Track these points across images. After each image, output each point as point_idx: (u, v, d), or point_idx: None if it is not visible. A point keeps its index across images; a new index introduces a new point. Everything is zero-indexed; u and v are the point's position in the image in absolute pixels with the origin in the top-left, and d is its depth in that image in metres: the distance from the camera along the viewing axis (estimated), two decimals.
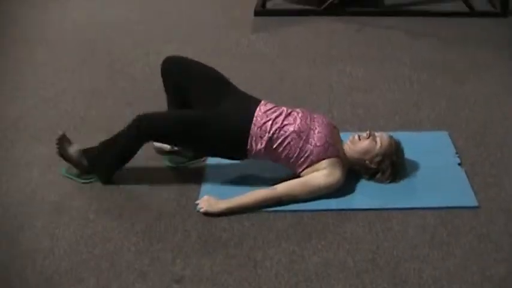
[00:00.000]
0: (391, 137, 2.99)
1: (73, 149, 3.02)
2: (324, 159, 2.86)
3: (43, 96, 3.86)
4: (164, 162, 3.20)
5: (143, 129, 2.91)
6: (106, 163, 3.00)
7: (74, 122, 3.56)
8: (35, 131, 3.49)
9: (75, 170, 3.08)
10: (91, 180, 3.04)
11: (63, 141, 3.03)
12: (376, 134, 2.98)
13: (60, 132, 3.07)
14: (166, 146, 3.19)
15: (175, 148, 3.17)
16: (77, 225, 2.79)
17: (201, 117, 2.92)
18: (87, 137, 3.21)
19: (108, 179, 3.03)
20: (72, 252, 2.64)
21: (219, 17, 4.99)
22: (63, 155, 3.03)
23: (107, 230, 2.76)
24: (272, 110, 2.94)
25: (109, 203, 2.93)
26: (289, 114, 2.93)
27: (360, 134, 2.99)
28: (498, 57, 4.27)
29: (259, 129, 2.87)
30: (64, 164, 3.09)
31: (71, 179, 3.07)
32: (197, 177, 3.08)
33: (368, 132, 2.97)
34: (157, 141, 3.10)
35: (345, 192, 2.92)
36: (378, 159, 2.94)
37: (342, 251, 2.62)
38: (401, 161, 3.02)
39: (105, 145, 2.99)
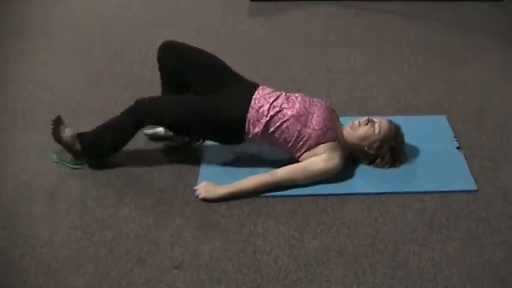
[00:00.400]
0: (390, 122, 2.98)
1: (67, 132, 3.01)
2: (322, 143, 2.85)
3: (39, 82, 3.84)
4: (158, 145, 3.20)
5: (142, 114, 2.91)
6: (100, 148, 3.00)
7: (71, 107, 3.55)
8: (32, 117, 3.48)
9: (67, 156, 3.06)
10: (81, 166, 3.04)
11: (58, 124, 3.02)
12: (375, 119, 2.96)
13: (56, 117, 3.06)
14: (160, 132, 3.19)
15: (169, 134, 3.16)
16: (75, 212, 2.79)
17: (200, 103, 2.92)
18: (84, 122, 3.19)
19: (99, 164, 3.02)
20: (71, 239, 2.64)
21: (216, 2, 4.96)
22: (57, 137, 3.01)
23: (105, 217, 2.76)
24: (270, 94, 2.93)
25: (107, 189, 2.92)
26: (287, 98, 2.92)
27: (359, 119, 2.97)
28: (497, 42, 4.26)
29: (256, 112, 2.86)
30: (55, 151, 3.08)
31: (62, 164, 3.06)
32: (194, 161, 3.08)
33: (367, 118, 2.96)
34: (156, 125, 3.09)
35: (344, 177, 2.92)
36: (376, 145, 2.93)
37: (341, 236, 2.62)
38: (401, 145, 3.01)
39: (102, 130, 2.98)
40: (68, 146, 3.01)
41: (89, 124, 3.07)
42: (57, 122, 3.02)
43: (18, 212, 2.80)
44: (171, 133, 3.15)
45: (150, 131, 3.18)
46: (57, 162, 3.07)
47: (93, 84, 3.81)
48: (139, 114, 2.91)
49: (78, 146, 3.00)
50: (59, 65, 4.07)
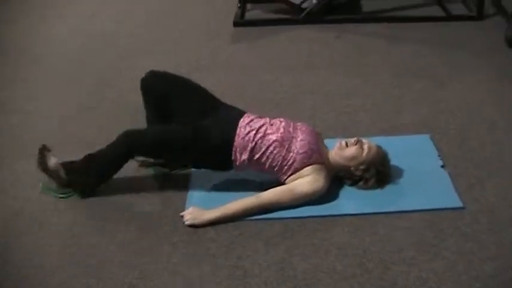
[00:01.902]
0: (379, 147, 3.00)
1: (52, 162, 3.00)
2: (308, 165, 2.87)
3: (28, 111, 3.85)
4: (148, 172, 3.20)
5: (131, 146, 2.93)
6: (88, 179, 2.99)
7: (60, 136, 3.55)
8: (21, 146, 3.48)
9: (53, 185, 3.06)
10: (69, 195, 3.03)
11: (44, 153, 3.02)
12: (364, 141, 2.99)
13: (42, 145, 3.06)
14: (150, 159, 3.19)
15: (159, 160, 3.17)
16: (64, 240, 2.78)
17: (188, 133, 2.92)
18: (73, 151, 3.19)
19: (86, 194, 3.02)
20: (60, 268, 2.62)
21: (200, 29, 5.00)
22: (43, 167, 3.01)
23: (93, 245, 2.75)
24: (255, 121, 2.96)
25: (96, 216, 2.92)
26: (271, 124, 2.95)
27: (347, 140, 3.00)
28: (476, 60, 4.32)
29: (242, 140, 2.89)
30: (41, 180, 3.08)
31: (49, 194, 3.06)
32: (182, 186, 3.08)
33: (356, 139, 2.98)
34: (143, 156, 3.10)
35: (330, 198, 2.94)
36: (363, 167, 2.95)
37: (330, 257, 2.63)
38: (387, 171, 3.03)
39: (89, 160, 2.98)
40: (53, 176, 3.01)
41: (77, 152, 3.07)
42: (43, 151, 3.02)
43: (7, 242, 2.79)
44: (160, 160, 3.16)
45: (140, 157, 3.18)
46: (44, 192, 3.07)
47: (82, 113, 3.82)
48: (130, 147, 2.93)
49: (63, 176, 3.00)
50: (48, 94, 4.08)
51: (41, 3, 5.71)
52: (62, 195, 3.04)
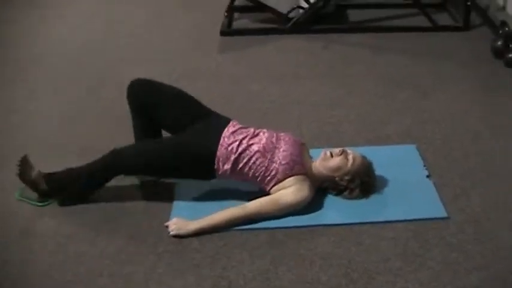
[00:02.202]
0: (364, 157, 3.00)
1: (34, 172, 2.99)
2: (290, 176, 2.87)
3: (10, 120, 3.82)
4: (134, 181, 3.19)
5: (117, 166, 2.94)
6: (70, 192, 2.99)
7: (44, 146, 3.53)
8: (5, 157, 3.45)
9: (31, 193, 3.04)
10: (49, 203, 3.02)
11: (25, 164, 3.00)
12: (349, 151, 2.99)
13: (22, 155, 3.05)
14: None
15: None
16: (48, 250, 2.76)
17: (172, 149, 2.94)
18: (57, 160, 3.18)
19: (64, 203, 3.02)
20: (44, 277, 2.61)
21: (186, 38, 5.00)
22: (23, 177, 2.99)
23: (78, 255, 2.73)
24: (239, 131, 2.96)
25: (80, 226, 2.90)
26: (255, 135, 2.95)
27: (332, 150, 2.99)
28: (461, 70, 4.34)
29: (225, 150, 2.89)
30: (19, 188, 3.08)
31: (26, 202, 3.04)
32: (167, 196, 3.07)
33: (341, 149, 2.98)
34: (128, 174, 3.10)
35: (316, 208, 2.93)
36: (348, 177, 2.95)
37: (314, 267, 2.63)
38: (372, 181, 3.03)
39: (74, 175, 2.97)
40: (36, 186, 2.99)
41: (61, 162, 3.05)
42: (24, 162, 3.01)
43: None
44: None
45: None
46: (20, 200, 3.05)
47: (67, 122, 3.80)
48: (115, 166, 2.94)
49: (44, 186, 2.98)
50: (31, 103, 4.06)
51: (33, 5, 5.69)
52: (41, 204, 3.02)
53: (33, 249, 2.77)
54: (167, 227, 2.84)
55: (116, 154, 2.94)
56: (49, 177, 2.98)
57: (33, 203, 3.03)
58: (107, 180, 2.99)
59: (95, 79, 4.32)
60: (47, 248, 2.78)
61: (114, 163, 2.94)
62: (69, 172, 2.98)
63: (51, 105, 4.01)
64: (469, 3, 4.93)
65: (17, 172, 3.00)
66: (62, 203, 3.01)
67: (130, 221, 2.93)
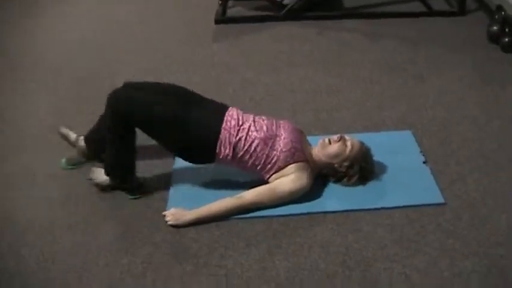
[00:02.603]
0: (362, 143, 3.00)
1: (101, 176, 3.05)
2: (291, 163, 2.86)
3: (6, 118, 3.81)
4: (60, 164, 3.23)
5: (115, 107, 2.85)
6: (114, 167, 3.01)
7: (41, 139, 3.52)
8: (1, 150, 3.45)
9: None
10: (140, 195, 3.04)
11: (90, 176, 3.07)
12: (347, 137, 2.98)
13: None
14: (72, 137, 3.30)
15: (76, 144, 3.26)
16: (43, 242, 2.76)
17: (175, 111, 2.85)
18: (55, 152, 3.17)
19: (131, 183, 3.03)
20: (40, 269, 2.61)
21: (181, 27, 4.98)
22: (97, 185, 3.05)
23: (74, 245, 2.73)
24: (240, 116, 2.93)
25: (75, 217, 2.90)
26: (254, 122, 2.93)
27: (330, 137, 2.99)
28: (457, 56, 4.33)
29: (228, 133, 2.86)
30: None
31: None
32: (163, 185, 3.07)
33: (339, 135, 2.98)
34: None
35: (313, 196, 2.93)
36: (346, 163, 2.95)
37: (312, 255, 2.63)
38: (370, 167, 3.04)
39: (105, 150, 2.99)
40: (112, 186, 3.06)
41: (60, 155, 3.05)
42: (89, 176, 3.07)
43: None
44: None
45: (64, 130, 3.37)
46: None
47: (62, 114, 3.78)
48: (113, 105, 2.86)
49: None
50: (25, 97, 4.04)
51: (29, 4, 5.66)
52: (131, 196, 3.02)
53: (29, 241, 2.77)
54: (164, 216, 2.83)
55: (114, 91, 2.92)
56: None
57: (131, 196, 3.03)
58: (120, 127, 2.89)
59: (93, 74, 4.29)
60: (43, 239, 2.77)
61: (117, 99, 2.87)
62: (107, 152, 2.99)
63: (49, 101, 3.99)
64: None
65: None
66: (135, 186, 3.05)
67: (127, 211, 2.92)
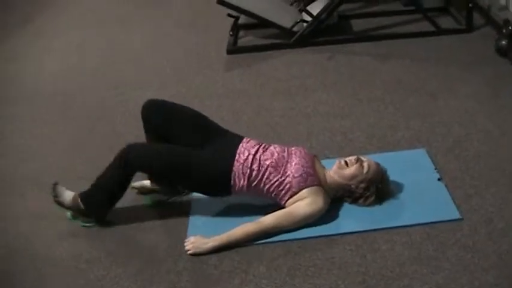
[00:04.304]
0: (378, 164, 3.03)
1: (68, 196, 3.06)
2: (304, 188, 2.90)
3: (21, 152, 3.89)
4: (144, 201, 3.24)
5: (131, 159, 2.95)
6: (97, 200, 3.03)
7: (56, 173, 3.57)
8: (19, 184, 3.52)
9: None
10: (92, 223, 3.08)
11: (56, 191, 3.06)
12: (364, 159, 3.01)
13: (53, 182, 3.11)
14: (147, 185, 3.24)
15: (156, 187, 3.22)
16: (68, 275, 2.81)
17: (188, 154, 2.97)
18: (70, 187, 3.22)
19: (102, 218, 3.07)
20: None
21: (194, 58, 5.05)
22: (60, 203, 3.06)
23: (98, 278, 2.78)
24: (253, 147, 2.99)
25: (99, 250, 2.95)
26: (266, 150, 2.99)
27: (346, 158, 3.02)
28: (467, 72, 4.36)
29: (241, 165, 2.93)
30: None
31: (79, 223, 3.11)
32: (183, 214, 3.12)
33: (355, 157, 3.01)
34: (143, 172, 3.10)
35: (330, 218, 2.96)
36: (363, 185, 2.98)
37: (332, 276, 2.65)
38: (387, 188, 3.06)
39: (96, 182, 3.03)
40: (74, 209, 3.07)
41: (75, 189, 3.10)
42: (55, 189, 3.07)
43: (12, 279, 2.81)
44: (157, 187, 3.20)
45: (137, 183, 3.22)
46: (72, 220, 3.12)
47: (77, 148, 3.86)
48: (129, 159, 2.95)
49: (82, 206, 3.05)
50: (39, 131, 4.13)
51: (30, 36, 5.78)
52: (84, 224, 3.08)
53: (54, 275, 2.82)
54: (185, 245, 2.88)
55: (131, 147, 2.98)
56: (83, 195, 3.04)
57: (81, 223, 3.09)
58: (125, 179, 3.00)
59: (102, 106, 4.37)
60: (67, 273, 2.82)
61: (130, 156, 2.95)
62: (95, 182, 3.03)
63: (58, 132, 4.08)
64: (471, 5, 4.95)
65: (53, 199, 3.07)
66: (99, 220, 3.08)
67: (148, 241, 2.97)
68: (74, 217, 3.11)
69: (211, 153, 2.99)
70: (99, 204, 3.04)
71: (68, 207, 3.07)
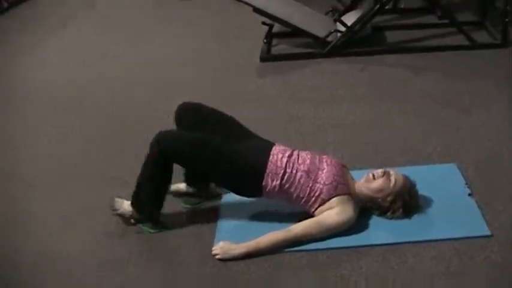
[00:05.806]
0: (406, 177, 3.02)
1: (126, 206, 3.07)
2: (334, 196, 2.91)
3: (38, 150, 3.95)
4: (181, 204, 3.25)
5: (162, 142, 2.92)
6: (144, 200, 3.02)
7: (74, 172, 3.63)
8: (38, 185, 3.58)
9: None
10: (156, 229, 3.09)
11: (113, 204, 3.08)
12: (391, 172, 3.01)
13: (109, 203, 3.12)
14: (182, 188, 3.26)
15: (190, 190, 3.24)
16: (94, 280, 2.84)
17: (222, 144, 2.96)
18: (87, 187, 3.26)
19: (155, 218, 3.07)
20: None
21: (227, 66, 5.08)
22: (120, 215, 3.09)
23: (124, 280, 2.80)
24: (286, 151, 3.00)
25: (124, 253, 2.97)
26: (299, 155, 3.00)
27: (374, 172, 3.02)
28: (501, 88, 4.33)
29: (275, 166, 2.93)
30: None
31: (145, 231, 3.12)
32: (211, 218, 3.14)
33: (382, 170, 3.01)
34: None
35: (358, 229, 2.96)
36: (390, 198, 2.97)
37: None
38: (415, 202, 3.04)
39: (137, 183, 3.02)
40: (134, 218, 3.08)
41: (93, 190, 3.13)
42: (113, 206, 3.09)
43: (36, 282, 2.85)
44: (191, 189, 3.23)
45: (173, 186, 3.21)
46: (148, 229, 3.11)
47: (93, 147, 3.91)
48: (160, 140, 2.92)
49: (137, 216, 3.07)
50: (55, 130, 4.19)
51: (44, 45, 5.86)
52: (152, 231, 3.09)
53: (81, 279, 2.85)
54: (213, 250, 2.90)
55: (162, 132, 2.96)
56: (132, 201, 3.05)
57: (149, 230, 3.09)
58: (163, 169, 2.96)
59: (136, 115, 4.38)
60: (93, 278, 2.85)
61: (160, 137, 2.93)
62: (137, 184, 3.02)
63: (91, 141, 4.12)
64: (507, 20, 4.91)
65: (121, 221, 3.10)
66: (154, 223, 3.08)
67: (175, 245, 3.00)
68: (144, 225, 3.10)
69: (246, 151, 2.98)
70: (148, 204, 3.04)
71: (129, 218, 3.08)
